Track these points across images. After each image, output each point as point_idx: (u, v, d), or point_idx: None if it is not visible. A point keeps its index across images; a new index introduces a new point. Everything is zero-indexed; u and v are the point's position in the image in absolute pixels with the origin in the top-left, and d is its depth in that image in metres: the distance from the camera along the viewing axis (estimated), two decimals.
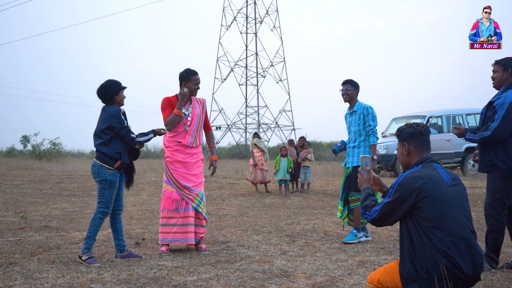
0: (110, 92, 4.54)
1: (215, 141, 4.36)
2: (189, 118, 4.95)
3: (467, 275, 2.48)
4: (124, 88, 4.62)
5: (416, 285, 2.51)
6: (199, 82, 4.98)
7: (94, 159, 4.53)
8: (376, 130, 5.46)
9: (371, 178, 2.91)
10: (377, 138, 5.47)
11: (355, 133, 5.52)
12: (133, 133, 4.53)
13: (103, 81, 4.60)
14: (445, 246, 2.48)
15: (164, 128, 4.80)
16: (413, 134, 2.77)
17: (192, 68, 5.00)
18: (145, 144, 4.73)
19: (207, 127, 5.21)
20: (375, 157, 5.36)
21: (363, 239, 5.37)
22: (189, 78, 4.90)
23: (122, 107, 4.62)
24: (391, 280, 2.65)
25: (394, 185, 2.65)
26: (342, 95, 5.55)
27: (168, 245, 4.93)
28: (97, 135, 4.51)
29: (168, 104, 4.91)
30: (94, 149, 4.58)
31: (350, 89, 5.52)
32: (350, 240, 5.29)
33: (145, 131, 4.70)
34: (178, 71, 5.01)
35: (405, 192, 2.57)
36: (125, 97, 4.65)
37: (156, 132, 4.70)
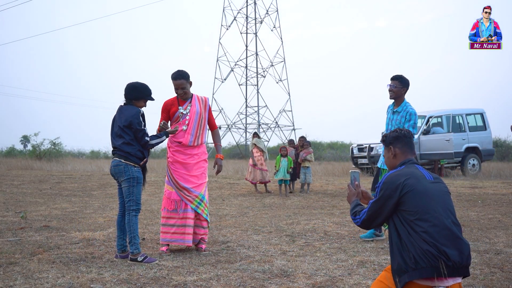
0: (142, 95, 4.60)
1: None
2: (187, 117, 4.93)
3: (454, 262, 2.54)
4: (152, 99, 4.70)
5: (406, 276, 2.57)
6: (182, 87, 4.88)
7: (116, 158, 4.52)
8: (413, 137, 5.30)
9: (360, 193, 3.03)
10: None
11: None
12: (147, 136, 4.56)
13: (140, 81, 4.66)
14: (430, 236, 2.56)
15: (175, 129, 4.79)
16: (397, 137, 2.96)
17: (176, 71, 4.91)
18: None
19: (212, 126, 5.18)
20: None
21: (383, 237, 5.33)
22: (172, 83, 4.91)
23: (142, 109, 4.65)
24: (388, 286, 2.70)
25: (379, 185, 2.77)
26: (389, 91, 5.31)
27: (168, 245, 4.93)
28: (118, 134, 4.52)
29: (165, 109, 4.98)
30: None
31: (397, 86, 5.27)
32: (369, 238, 5.30)
33: (157, 133, 4.74)
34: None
35: (390, 189, 2.70)
36: (145, 106, 4.69)
37: (168, 133, 4.74)
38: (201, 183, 4.94)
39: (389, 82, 5.31)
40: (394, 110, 5.35)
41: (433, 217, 2.61)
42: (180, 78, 4.90)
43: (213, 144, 5.24)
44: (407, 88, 5.33)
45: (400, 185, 2.68)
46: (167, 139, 4.86)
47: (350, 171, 3.20)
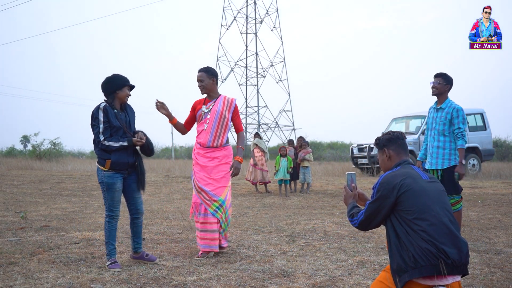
0: (112, 87, 4.24)
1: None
2: (208, 117, 4.85)
3: (453, 260, 2.55)
4: (130, 85, 4.34)
5: (406, 275, 2.58)
6: (201, 79, 4.85)
7: None
8: (465, 133, 5.12)
9: (356, 194, 3.04)
10: (466, 142, 5.12)
11: (439, 132, 5.18)
12: (103, 135, 4.14)
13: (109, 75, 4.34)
14: (429, 235, 2.57)
15: (141, 139, 4.29)
16: (391, 139, 2.98)
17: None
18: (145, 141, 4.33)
19: (236, 128, 5.01)
20: (463, 161, 5.08)
21: None
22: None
23: (102, 104, 4.24)
24: (388, 286, 2.71)
25: (376, 186, 2.79)
26: (432, 88, 5.22)
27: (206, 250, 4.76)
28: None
29: (192, 107, 5.00)
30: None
31: (441, 83, 5.17)
32: None
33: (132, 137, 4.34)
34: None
35: (387, 189, 2.71)
36: (129, 95, 4.34)
37: (132, 142, 4.22)
38: (220, 186, 4.78)
39: (432, 79, 5.22)
40: (438, 107, 5.23)
41: (431, 216, 2.62)
42: (201, 71, 4.88)
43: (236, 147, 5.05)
44: (451, 86, 5.24)
45: (397, 185, 2.70)
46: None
47: (346, 172, 3.20)
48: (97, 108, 4.16)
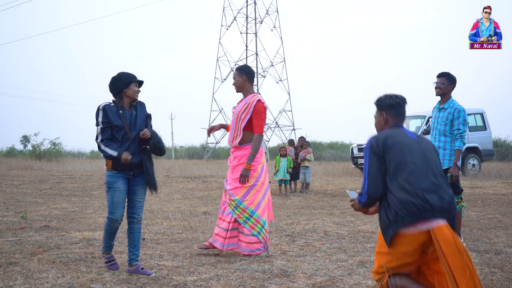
0: (119, 86, 4.07)
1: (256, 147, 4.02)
2: (232, 116, 4.91)
3: (433, 205, 2.62)
4: (138, 81, 4.14)
5: (390, 230, 2.67)
6: (233, 77, 4.91)
7: None
8: (465, 134, 5.10)
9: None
10: (464, 143, 5.10)
11: (440, 132, 5.17)
12: (100, 137, 4.00)
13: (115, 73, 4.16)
14: (408, 183, 2.66)
15: (128, 158, 3.96)
16: (392, 105, 3.00)
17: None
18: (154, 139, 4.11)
19: (253, 129, 4.74)
20: (458, 163, 5.05)
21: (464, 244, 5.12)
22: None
23: (103, 104, 4.09)
24: (384, 255, 2.77)
25: (365, 149, 2.86)
26: (435, 88, 5.19)
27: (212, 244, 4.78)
28: None
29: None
30: (96, 149, 4.35)
31: (444, 83, 5.14)
32: None
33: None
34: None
35: (373, 147, 2.81)
36: (138, 91, 4.15)
37: (121, 156, 3.94)
38: (237, 187, 4.70)
39: (436, 79, 5.19)
40: (440, 107, 5.21)
41: (413, 167, 2.71)
42: (235, 70, 4.89)
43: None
44: (454, 85, 5.20)
45: (381, 141, 2.80)
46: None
47: (346, 190, 3.23)
48: (97, 109, 4.05)
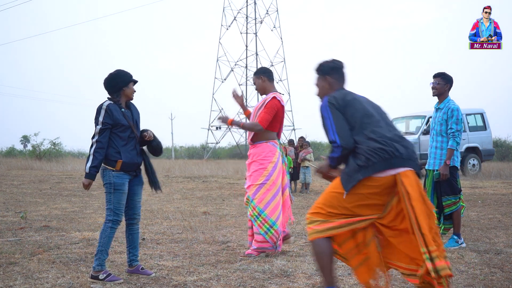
0: (119, 83, 3.96)
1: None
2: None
3: (401, 154, 2.74)
4: (135, 81, 4.06)
5: (360, 174, 2.73)
6: (253, 80, 4.97)
7: None
8: (458, 133, 5.03)
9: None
10: (457, 143, 5.04)
11: (437, 132, 5.16)
12: (97, 136, 3.87)
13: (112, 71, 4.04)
14: (378, 134, 2.78)
15: (150, 137, 4.07)
16: (334, 68, 3.06)
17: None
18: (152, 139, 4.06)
19: (258, 118, 4.70)
20: (448, 161, 5.00)
21: (464, 245, 5.01)
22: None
23: (105, 103, 3.96)
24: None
25: (323, 106, 2.90)
26: (431, 88, 5.19)
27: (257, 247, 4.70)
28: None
29: None
30: None
31: (440, 83, 5.13)
32: (451, 246, 4.95)
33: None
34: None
35: (334, 103, 2.86)
36: (134, 91, 4.07)
37: (88, 177, 3.85)
38: (250, 184, 4.71)
39: (432, 80, 5.19)
40: (437, 107, 5.22)
41: (378, 118, 2.86)
42: (253, 75, 4.95)
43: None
44: (451, 85, 5.19)
45: (340, 98, 2.88)
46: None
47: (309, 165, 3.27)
48: (100, 107, 3.89)
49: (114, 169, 3.87)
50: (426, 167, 5.27)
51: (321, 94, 3.05)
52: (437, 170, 5.08)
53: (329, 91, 3.00)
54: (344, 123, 2.82)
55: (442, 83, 5.14)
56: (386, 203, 2.81)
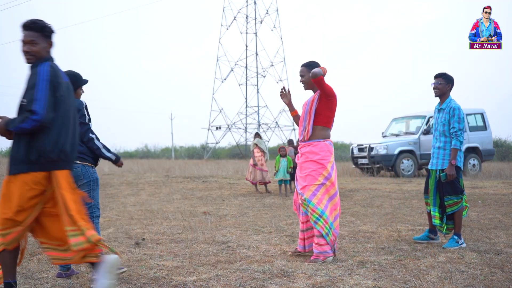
0: (79, 82, 4.02)
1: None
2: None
3: (69, 155, 3.17)
4: (86, 82, 4.10)
5: (25, 167, 2.99)
6: (301, 74, 4.64)
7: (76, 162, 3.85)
8: (461, 132, 5.04)
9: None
10: (461, 142, 5.04)
11: (440, 133, 5.15)
12: (93, 133, 3.98)
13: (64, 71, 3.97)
14: (66, 136, 3.14)
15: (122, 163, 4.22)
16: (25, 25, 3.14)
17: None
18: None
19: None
20: (453, 161, 4.99)
21: (464, 245, 5.00)
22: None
23: (84, 101, 4.03)
24: None
25: (44, 74, 3.05)
26: (433, 89, 5.21)
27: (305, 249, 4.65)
28: None
29: None
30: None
31: (442, 83, 5.15)
32: (452, 247, 4.93)
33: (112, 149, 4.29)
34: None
35: (52, 77, 3.06)
36: (83, 92, 4.11)
37: (117, 159, 4.11)
38: (306, 185, 4.46)
39: (433, 80, 5.21)
40: (439, 108, 5.23)
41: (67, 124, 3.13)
42: (302, 66, 4.65)
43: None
44: (452, 85, 5.21)
45: (60, 75, 3.14)
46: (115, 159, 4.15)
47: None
48: (85, 104, 3.96)
49: (93, 166, 4.04)
50: (429, 167, 5.26)
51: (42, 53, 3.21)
52: (443, 171, 5.06)
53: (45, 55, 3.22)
54: (51, 98, 3.03)
55: (444, 83, 5.15)
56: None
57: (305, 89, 4.69)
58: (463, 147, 15.31)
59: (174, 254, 4.81)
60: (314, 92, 4.63)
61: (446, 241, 5.16)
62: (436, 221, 5.14)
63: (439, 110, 5.23)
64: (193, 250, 4.99)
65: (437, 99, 5.28)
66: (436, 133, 5.22)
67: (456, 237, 5.01)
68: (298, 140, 5.03)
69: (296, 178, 4.65)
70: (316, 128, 4.51)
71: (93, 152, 4.00)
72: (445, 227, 5.16)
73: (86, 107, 3.99)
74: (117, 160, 4.14)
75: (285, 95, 4.88)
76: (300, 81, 4.68)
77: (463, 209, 5.12)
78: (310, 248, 4.62)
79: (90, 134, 3.95)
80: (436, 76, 5.20)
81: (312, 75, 4.35)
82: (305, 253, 4.68)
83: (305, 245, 4.64)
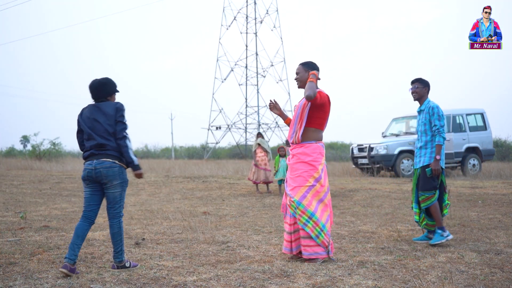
0: (109, 90, 4.21)
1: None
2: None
3: None
4: (118, 91, 4.34)
5: None
6: (296, 72, 4.65)
7: (108, 160, 4.05)
8: (443, 129, 5.23)
9: None
10: (444, 138, 5.22)
11: (421, 133, 5.37)
12: (127, 134, 4.16)
13: (99, 77, 4.26)
14: None
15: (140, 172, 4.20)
16: None
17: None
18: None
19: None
20: (438, 157, 5.17)
21: (450, 237, 5.14)
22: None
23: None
24: None
25: None
26: (412, 93, 5.45)
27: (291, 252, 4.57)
28: (107, 133, 4.08)
29: None
30: (93, 148, 4.08)
31: (419, 87, 5.41)
32: (438, 241, 5.05)
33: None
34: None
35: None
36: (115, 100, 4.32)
37: (138, 167, 4.16)
38: (295, 186, 4.43)
39: (410, 86, 5.47)
40: (419, 110, 5.46)
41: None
42: (299, 64, 4.64)
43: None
44: (428, 88, 5.46)
45: None
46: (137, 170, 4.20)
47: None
48: (122, 105, 4.17)
49: (125, 167, 4.17)
50: (414, 166, 5.49)
51: None
52: (428, 166, 5.25)
53: None
54: None
55: (421, 87, 5.43)
56: None
57: (298, 87, 4.68)
58: (463, 147, 15.40)
59: (174, 254, 4.81)
60: None
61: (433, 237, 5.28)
62: (416, 217, 5.42)
63: (419, 112, 5.48)
64: (193, 250, 4.99)
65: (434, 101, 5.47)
66: (418, 133, 5.46)
67: (439, 231, 5.14)
68: (286, 141, 5.03)
69: (286, 179, 4.63)
70: (309, 129, 4.49)
71: (120, 150, 4.10)
72: (425, 222, 5.37)
73: (124, 108, 4.19)
74: (137, 168, 4.13)
75: (274, 107, 4.87)
76: (295, 79, 4.70)
77: (446, 207, 5.30)
78: (297, 250, 4.52)
79: (125, 133, 4.12)
80: (413, 82, 5.48)
81: (307, 97, 4.35)
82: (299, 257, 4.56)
83: (292, 248, 4.52)
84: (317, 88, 4.50)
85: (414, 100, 5.50)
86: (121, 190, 4.13)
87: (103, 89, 4.19)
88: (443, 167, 5.32)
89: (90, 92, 4.20)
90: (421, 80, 5.46)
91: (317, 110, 4.47)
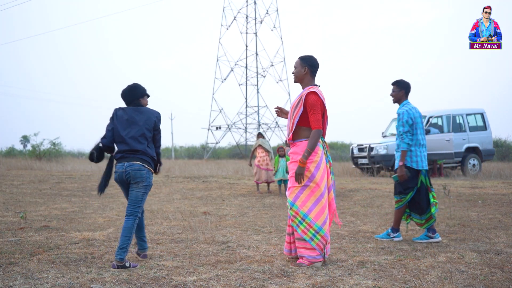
0: (137, 93, 4.47)
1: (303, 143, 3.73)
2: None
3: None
4: (148, 95, 4.59)
5: None
6: (295, 66, 4.53)
7: (137, 162, 4.24)
8: (405, 135, 5.27)
9: None
10: (406, 144, 5.26)
11: (397, 137, 5.45)
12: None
13: (130, 83, 4.55)
14: None
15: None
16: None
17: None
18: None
19: (311, 124, 4.32)
20: (400, 163, 5.26)
21: (396, 239, 5.40)
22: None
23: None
24: None
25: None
26: (391, 96, 5.53)
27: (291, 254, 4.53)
28: (142, 136, 4.28)
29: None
30: (125, 151, 4.29)
31: (395, 90, 5.47)
32: (382, 238, 5.45)
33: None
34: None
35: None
36: (147, 104, 4.57)
37: (159, 171, 4.63)
38: (290, 186, 4.35)
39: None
40: (397, 113, 5.53)
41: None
42: (298, 58, 4.52)
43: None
44: (405, 90, 5.48)
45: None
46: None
47: None
48: (160, 114, 4.49)
49: (153, 173, 4.46)
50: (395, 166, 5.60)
51: None
52: (395, 172, 5.42)
53: None
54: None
55: (397, 90, 5.48)
56: None
57: (294, 82, 4.59)
58: (463, 147, 15.40)
59: (174, 254, 4.81)
60: (303, 88, 4.50)
61: (439, 239, 5.35)
62: (403, 217, 5.58)
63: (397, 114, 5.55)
64: (193, 250, 4.99)
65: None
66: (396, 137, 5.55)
67: (389, 231, 5.44)
68: (286, 141, 5.05)
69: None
70: (300, 128, 4.37)
71: (156, 157, 4.45)
72: (409, 221, 5.58)
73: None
74: (159, 170, 4.60)
75: (281, 112, 4.79)
76: (292, 72, 4.62)
77: (433, 205, 5.36)
78: (296, 252, 4.45)
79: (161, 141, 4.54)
80: (392, 84, 5.53)
81: (301, 163, 4.22)
82: (292, 257, 4.51)
83: (291, 249, 4.48)
84: (315, 84, 4.46)
85: (393, 103, 5.57)
86: (144, 192, 4.36)
87: (132, 93, 4.46)
88: (426, 169, 5.39)
89: (123, 98, 4.49)
90: (398, 83, 5.47)
91: (310, 113, 4.34)
